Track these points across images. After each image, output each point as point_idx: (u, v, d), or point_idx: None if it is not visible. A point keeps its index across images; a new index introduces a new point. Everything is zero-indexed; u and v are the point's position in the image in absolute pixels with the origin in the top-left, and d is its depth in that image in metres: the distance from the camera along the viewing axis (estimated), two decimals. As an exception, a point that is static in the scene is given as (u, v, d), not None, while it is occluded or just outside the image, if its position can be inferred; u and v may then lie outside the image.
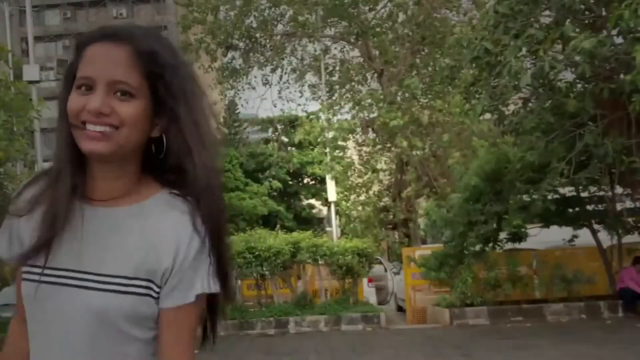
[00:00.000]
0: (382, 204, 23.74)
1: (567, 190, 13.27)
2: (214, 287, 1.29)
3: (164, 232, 1.28)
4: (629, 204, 13.81)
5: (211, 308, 1.36)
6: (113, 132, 1.25)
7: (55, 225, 1.28)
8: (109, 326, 1.26)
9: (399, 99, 21.09)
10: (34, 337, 1.31)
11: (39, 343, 1.30)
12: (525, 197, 12.75)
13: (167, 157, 1.32)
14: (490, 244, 13.68)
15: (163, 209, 1.31)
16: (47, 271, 1.28)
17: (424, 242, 21.73)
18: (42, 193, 1.32)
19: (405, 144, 18.88)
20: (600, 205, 13.99)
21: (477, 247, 13.31)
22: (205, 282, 1.28)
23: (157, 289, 1.28)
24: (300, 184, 41.97)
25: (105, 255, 1.28)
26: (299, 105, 27.37)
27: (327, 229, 24.26)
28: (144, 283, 1.27)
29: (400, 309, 17.26)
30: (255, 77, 23.49)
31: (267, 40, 23.32)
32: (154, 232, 1.29)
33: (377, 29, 22.04)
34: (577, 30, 10.20)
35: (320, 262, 14.23)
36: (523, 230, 13.44)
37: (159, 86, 1.29)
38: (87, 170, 1.32)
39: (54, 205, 1.29)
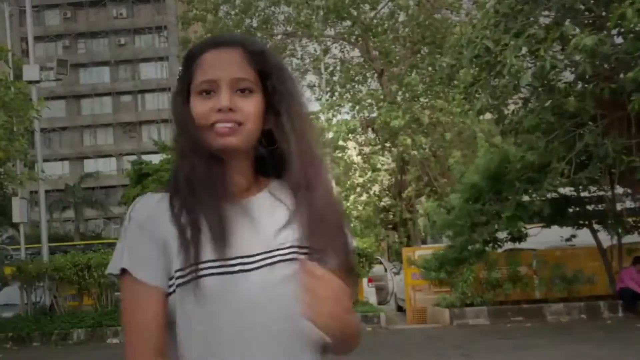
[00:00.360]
0: (382, 204, 23.75)
1: (568, 190, 13.28)
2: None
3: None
4: (629, 204, 13.81)
5: None
6: (239, 128, 1.38)
7: (224, 223, 1.37)
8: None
9: (399, 98, 21.09)
10: (215, 334, 1.34)
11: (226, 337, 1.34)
12: (526, 197, 12.76)
13: (273, 151, 1.46)
14: (491, 244, 13.68)
15: (282, 191, 1.45)
16: (217, 263, 1.35)
17: (424, 242, 21.74)
18: (185, 204, 1.39)
19: (408, 141, 18.85)
20: (600, 205, 13.99)
21: (478, 247, 13.32)
22: None
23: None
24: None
25: (264, 235, 1.40)
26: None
27: (327, 229, 24.25)
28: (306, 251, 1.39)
29: (400, 309, 17.26)
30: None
31: (268, 40, 23.33)
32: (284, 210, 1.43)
33: (378, 29, 22.05)
34: (577, 30, 10.19)
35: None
36: (523, 230, 13.45)
37: (268, 83, 1.42)
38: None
39: (214, 207, 1.37)
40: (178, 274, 1.34)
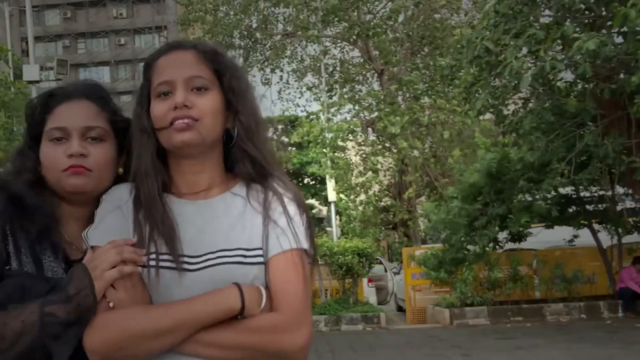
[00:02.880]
0: (382, 204, 23.73)
1: (568, 190, 13.28)
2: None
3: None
4: (629, 204, 13.81)
5: None
6: (195, 124, 1.41)
7: (154, 218, 1.41)
8: None
9: (399, 98, 21.08)
10: None
11: None
12: (527, 197, 12.76)
13: (234, 147, 1.49)
14: (491, 244, 13.68)
15: (249, 186, 1.48)
16: (164, 257, 1.39)
17: (424, 242, 21.72)
18: (147, 199, 1.45)
19: (405, 144, 18.87)
20: (600, 205, 13.99)
21: (478, 248, 13.32)
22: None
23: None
24: (300, 184, 41.97)
25: (203, 238, 1.42)
26: (298, 106, 27.38)
27: (327, 229, 24.26)
28: (259, 252, 1.41)
29: (400, 309, 17.26)
30: (254, 76, 23.44)
31: (267, 40, 23.34)
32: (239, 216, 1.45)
33: (377, 29, 22.04)
34: (578, 30, 10.19)
35: (320, 262, 14.20)
36: (527, 229, 13.44)
37: (224, 81, 1.47)
38: (173, 169, 1.49)
39: (149, 202, 1.43)
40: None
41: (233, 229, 1.42)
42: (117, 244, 1.39)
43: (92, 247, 1.43)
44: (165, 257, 1.38)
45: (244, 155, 1.48)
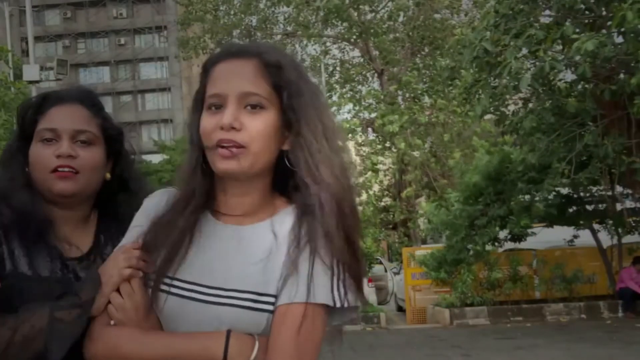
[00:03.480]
0: (382, 204, 23.73)
1: (568, 190, 13.28)
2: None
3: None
4: (629, 204, 13.81)
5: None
6: (241, 152, 1.27)
7: (184, 240, 1.32)
8: None
9: (399, 98, 21.09)
10: None
11: None
12: (527, 197, 12.75)
13: (294, 171, 1.32)
14: (491, 244, 13.68)
15: (284, 224, 1.31)
16: (176, 283, 1.31)
17: (424, 242, 21.74)
18: (172, 210, 1.36)
19: (403, 145, 18.88)
20: (600, 205, 13.99)
21: (477, 248, 13.32)
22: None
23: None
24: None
25: (231, 271, 1.30)
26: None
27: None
28: (272, 299, 1.27)
29: (400, 309, 17.26)
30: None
31: (267, 40, 23.33)
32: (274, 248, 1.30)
33: (378, 30, 22.05)
34: (578, 30, 10.19)
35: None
36: (529, 230, 13.44)
37: (285, 97, 1.30)
38: (218, 186, 1.35)
39: (184, 221, 1.32)
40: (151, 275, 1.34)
41: (252, 268, 1.29)
42: (126, 249, 1.37)
43: None
44: (174, 282, 1.32)
45: (301, 184, 1.30)
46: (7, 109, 13.83)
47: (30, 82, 16.35)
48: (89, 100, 1.63)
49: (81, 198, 1.57)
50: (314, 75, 23.84)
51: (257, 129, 1.27)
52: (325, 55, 22.82)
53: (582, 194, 13.62)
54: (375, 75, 23.05)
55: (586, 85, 11.26)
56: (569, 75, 11.51)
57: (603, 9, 10.42)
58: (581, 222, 13.91)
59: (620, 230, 13.78)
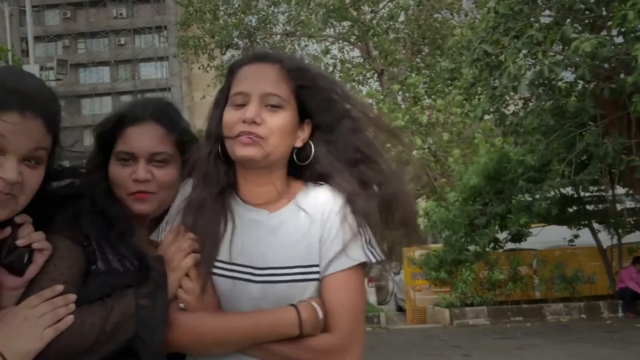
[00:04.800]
0: (382, 203, 23.69)
1: (568, 190, 13.27)
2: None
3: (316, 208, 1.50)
4: (629, 204, 13.81)
5: None
6: (260, 141, 1.44)
7: (226, 225, 1.48)
8: None
9: (399, 98, 21.08)
10: None
11: None
12: (527, 197, 12.74)
13: (312, 164, 1.52)
14: (491, 244, 13.68)
15: (311, 195, 1.52)
16: (232, 267, 1.47)
17: (424, 242, 21.69)
18: (198, 195, 1.51)
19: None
20: (600, 205, 13.99)
21: (478, 247, 13.32)
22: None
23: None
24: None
25: (278, 251, 1.48)
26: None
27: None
28: (317, 269, 1.47)
29: (400, 309, 17.25)
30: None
31: (267, 40, 23.33)
32: (308, 222, 1.49)
33: (378, 29, 22.05)
34: (578, 30, 10.18)
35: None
36: (527, 229, 13.43)
37: (305, 99, 1.49)
38: (240, 176, 1.52)
39: (213, 204, 1.49)
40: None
41: (296, 246, 1.48)
42: (183, 234, 1.47)
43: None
44: (228, 265, 1.47)
45: (315, 175, 1.52)
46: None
47: (30, 82, 16.32)
48: (165, 116, 1.65)
49: (155, 216, 1.63)
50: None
51: (276, 124, 1.45)
52: (325, 54, 22.80)
53: (582, 194, 13.61)
54: (375, 75, 23.04)
55: (586, 85, 11.25)
56: (569, 76, 11.51)
57: (603, 9, 10.41)
58: (581, 222, 13.90)
59: (620, 230, 13.77)
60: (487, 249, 13.58)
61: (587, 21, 10.82)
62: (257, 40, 23.09)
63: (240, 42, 22.99)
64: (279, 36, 23.57)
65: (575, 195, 13.64)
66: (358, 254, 1.46)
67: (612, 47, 9.29)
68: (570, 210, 13.91)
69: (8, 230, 1.39)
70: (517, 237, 13.65)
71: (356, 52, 23.75)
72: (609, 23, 9.73)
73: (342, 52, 24.23)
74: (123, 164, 1.60)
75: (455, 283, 13.63)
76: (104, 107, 54.55)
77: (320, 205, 1.49)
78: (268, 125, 1.44)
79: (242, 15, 22.44)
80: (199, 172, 1.51)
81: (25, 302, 1.37)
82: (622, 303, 13.23)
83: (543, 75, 9.58)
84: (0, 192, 1.32)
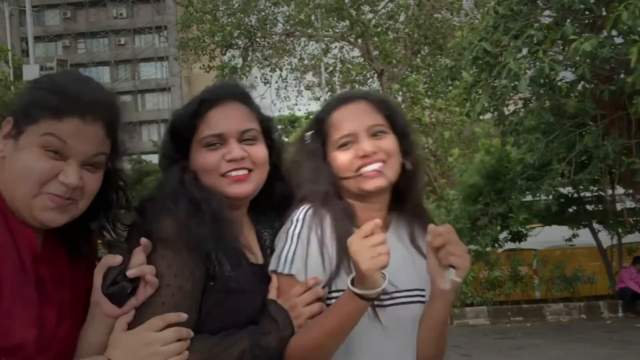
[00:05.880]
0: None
1: (568, 190, 13.27)
2: None
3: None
4: (629, 204, 13.80)
5: None
6: (384, 167, 1.58)
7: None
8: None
9: (400, 98, 21.08)
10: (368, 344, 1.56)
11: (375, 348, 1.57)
12: (527, 196, 12.74)
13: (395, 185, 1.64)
14: (491, 244, 13.68)
15: (400, 227, 1.68)
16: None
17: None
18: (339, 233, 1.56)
19: None
20: (600, 205, 13.98)
21: (480, 247, 13.32)
22: None
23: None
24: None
25: (407, 274, 1.59)
26: (295, 104, 27.41)
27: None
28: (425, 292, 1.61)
29: (400, 309, 17.23)
30: (256, 77, 23.47)
31: (267, 40, 23.33)
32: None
33: (378, 29, 22.05)
34: (577, 30, 10.18)
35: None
36: (527, 229, 13.42)
37: (397, 126, 1.64)
38: (358, 205, 1.61)
39: (339, 249, 1.53)
40: (333, 294, 1.53)
41: (412, 268, 1.60)
42: (310, 285, 1.51)
43: (291, 275, 1.52)
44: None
45: (403, 195, 1.65)
46: (8, 109, 13.80)
47: (30, 82, 16.32)
48: (244, 94, 1.62)
49: (250, 199, 1.58)
50: (314, 74, 23.88)
51: (389, 147, 1.60)
52: (325, 54, 22.80)
53: (582, 194, 13.61)
54: (375, 75, 23.04)
55: (586, 86, 11.25)
56: (569, 76, 11.50)
57: (603, 9, 10.41)
58: (581, 222, 13.90)
59: (620, 230, 13.77)
60: (487, 249, 13.59)
61: (587, 21, 10.82)
62: (257, 40, 23.10)
63: (240, 42, 22.99)
64: (277, 37, 23.56)
65: (575, 195, 13.64)
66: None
67: (612, 48, 9.29)
68: (570, 210, 13.92)
69: (119, 259, 1.37)
70: (517, 237, 13.65)
71: (356, 52, 23.76)
72: (607, 24, 9.73)
73: (342, 51, 24.24)
74: (211, 148, 1.53)
75: (455, 283, 13.61)
76: (104, 107, 54.49)
77: (414, 229, 1.68)
78: (385, 150, 1.58)
79: (242, 16, 22.44)
80: (334, 214, 1.55)
81: (148, 324, 1.34)
82: (622, 303, 13.23)
83: (543, 73, 9.57)
84: (62, 196, 1.33)
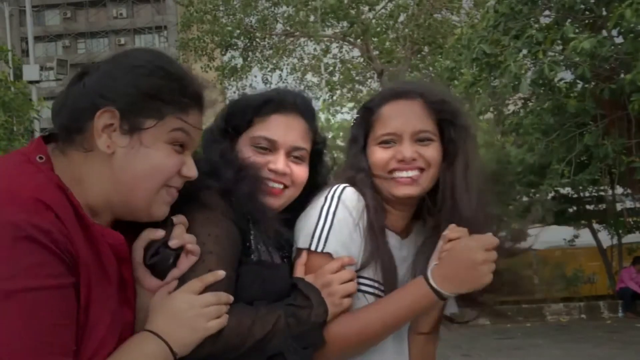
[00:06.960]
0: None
1: (568, 190, 13.27)
2: None
3: None
4: (629, 204, 13.82)
5: None
6: (420, 176, 1.52)
7: (379, 250, 1.53)
8: None
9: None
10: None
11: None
12: (527, 198, 12.74)
13: (435, 191, 1.58)
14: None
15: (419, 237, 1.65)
16: (376, 284, 1.56)
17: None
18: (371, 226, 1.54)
19: None
20: (600, 205, 13.99)
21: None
22: None
23: None
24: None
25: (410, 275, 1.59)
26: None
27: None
28: None
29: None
30: (255, 76, 23.49)
31: (267, 40, 23.33)
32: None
33: (378, 29, 22.04)
34: (578, 30, 10.18)
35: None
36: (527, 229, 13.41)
37: (447, 133, 1.55)
38: (385, 206, 1.58)
39: (376, 233, 1.53)
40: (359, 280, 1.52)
41: (415, 269, 1.60)
42: (345, 263, 1.48)
43: (327, 253, 1.49)
44: (376, 284, 1.55)
45: (441, 208, 1.57)
46: (7, 109, 13.82)
47: (30, 82, 16.35)
48: (309, 111, 1.60)
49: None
50: (314, 74, 23.87)
51: (431, 157, 1.53)
52: (326, 53, 22.80)
53: (582, 194, 13.61)
54: (375, 75, 23.04)
55: (586, 85, 11.25)
56: (569, 75, 11.50)
57: (603, 9, 10.41)
58: (581, 222, 13.90)
59: (620, 230, 13.77)
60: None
61: (587, 21, 10.82)
62: (257, 40, 23.11)
63: (240, 42, 22.99)
64: (276, 37, 23.56)
65: (575, 195, 13.65)
66: None
67: (612, 47, 9.29)
68: (570, 210, 13.92)
69: (161, 233, 1.35)
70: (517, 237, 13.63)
71: (356, 52, 23.75)
72: (609, 23, 9.73)
73: (342, 51, 24.24)
74: (259, 150, 1.53)
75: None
76: (104, 107, 54.51)
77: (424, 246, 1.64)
78: (425, 159, 1.51)
79: (242, 16, 22.44)
80: (368, 203, 1.52)
81: (187, 286, 1.33)
82: (622, 303, 13.23)
83: (543, 74, 9.57)
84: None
